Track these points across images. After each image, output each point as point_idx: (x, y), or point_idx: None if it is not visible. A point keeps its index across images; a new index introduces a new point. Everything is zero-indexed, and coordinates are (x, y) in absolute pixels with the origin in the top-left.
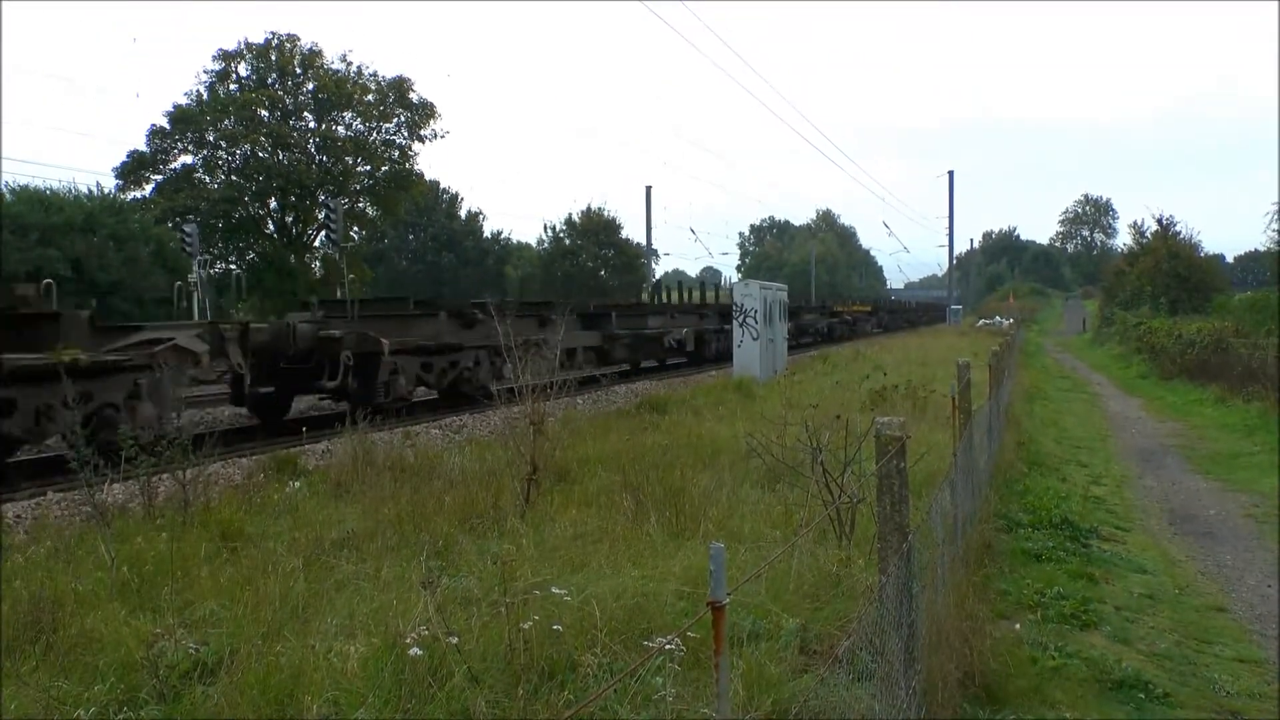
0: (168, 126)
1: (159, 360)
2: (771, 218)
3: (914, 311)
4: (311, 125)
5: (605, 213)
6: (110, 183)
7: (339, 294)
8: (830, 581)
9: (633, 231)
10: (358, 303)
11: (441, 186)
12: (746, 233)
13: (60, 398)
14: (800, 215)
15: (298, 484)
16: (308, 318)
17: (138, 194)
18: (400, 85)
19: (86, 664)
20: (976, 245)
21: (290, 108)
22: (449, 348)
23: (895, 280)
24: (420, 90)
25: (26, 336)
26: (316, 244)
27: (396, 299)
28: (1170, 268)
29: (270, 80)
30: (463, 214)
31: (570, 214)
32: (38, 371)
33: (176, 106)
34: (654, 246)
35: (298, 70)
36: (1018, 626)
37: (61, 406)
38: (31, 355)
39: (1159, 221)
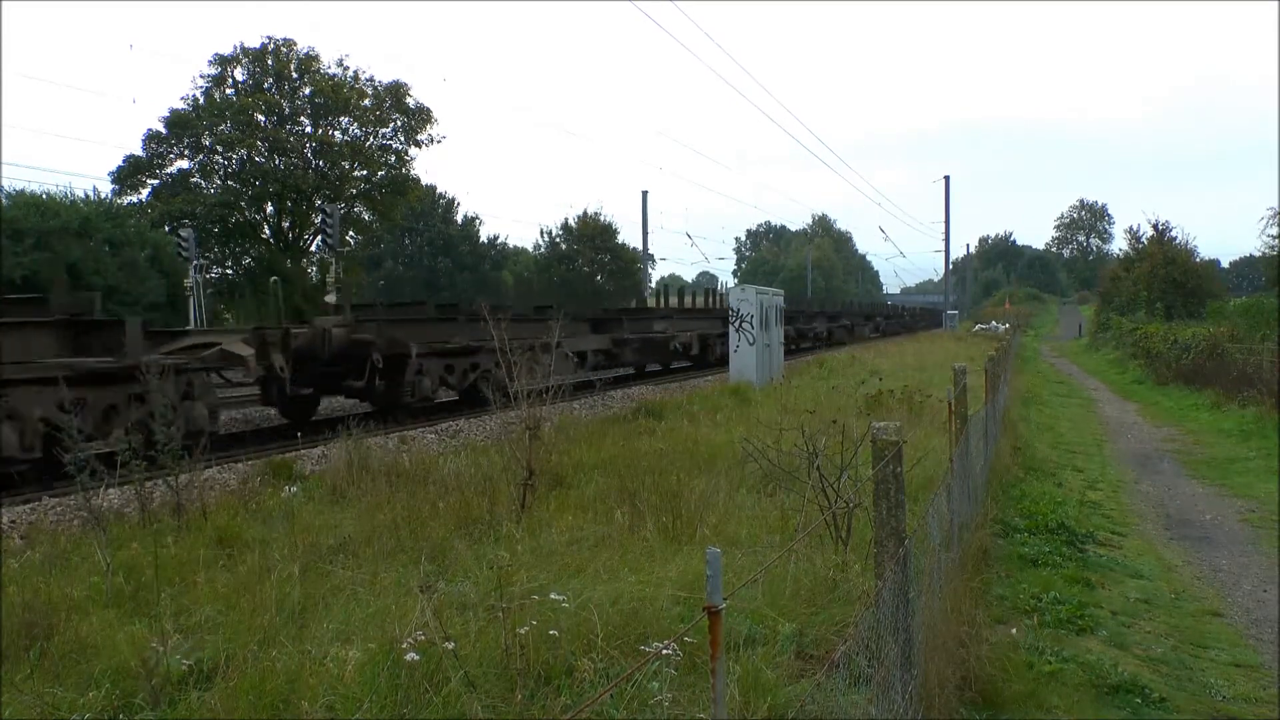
0: (164, 131)
1: (209, 362)
2: (768, 223)
3: (910, 316)
4: (308, 130)
5: (601, 218)
6: (107, 187)
7: (333, 298)
8: (827, 586)
9: (629, 236)
10: (383, 307)
11: (438, 191)
12: (743, 237)
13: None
14: (797, 220)
15: (294, 489)
16: (339, 321)
17: (134, 198)
18: (397, 90)
19: (81, 671)
20: (973, 250)
21: (287, 112)
22: (468, 350)
23: (892, 285)
24: (416, 95)
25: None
26: (313, 249)
27: (417, 303)
28: (1166, 273)
29: (267, 85)
30: (459, 218)
31: (566, 219)
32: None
33: (173, 111)
34: (650, 251)
35: (294, 75)
36: (1014, 631)
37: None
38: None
39: (1155, 226)
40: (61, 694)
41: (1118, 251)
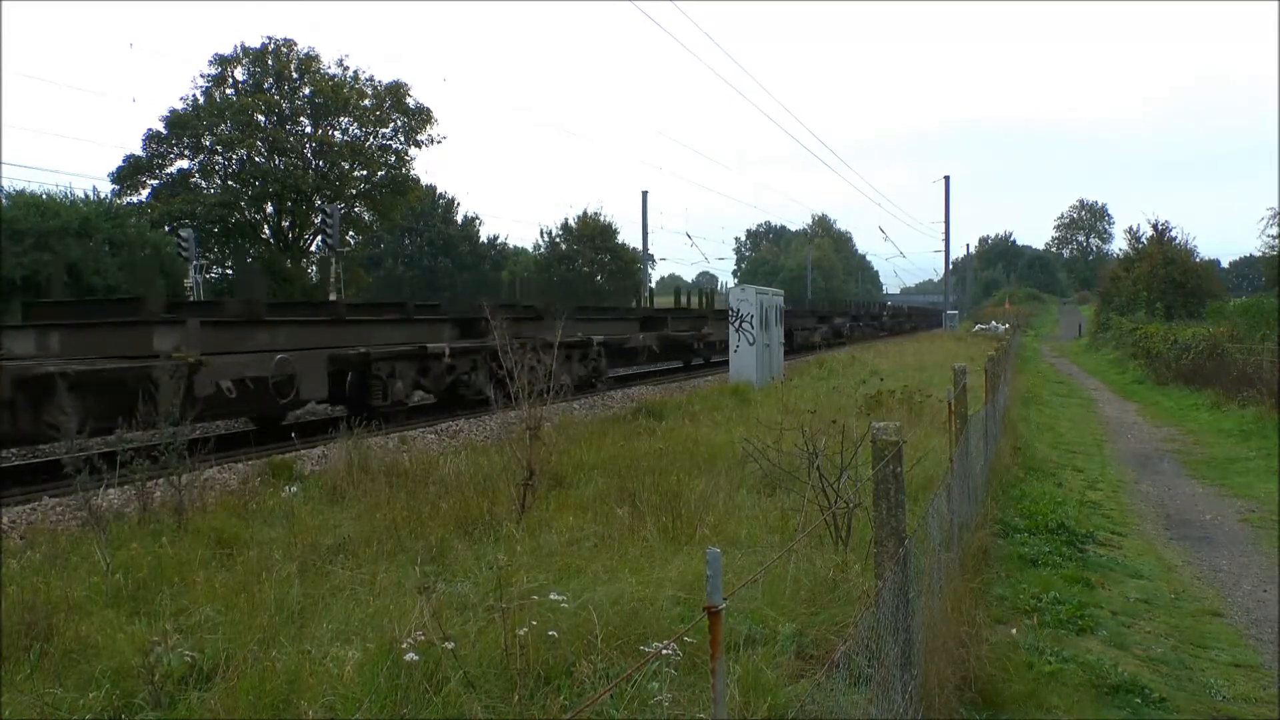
0: (164, 131)
1: None
2: (768, 223)
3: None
4: (308, 130)
5: (601, 218)
6: (106, 187)
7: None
8: (827, 587)
9: (629, 236)
10: None
11: (438, 191)
12: (743, 237)
13: None
14: (797, 220)
15: (294, 489)
16: None
17: (134, 199)
18: (397, 90)
19: (82, 671)
20: (973, 251)
21: (287, 112)
22: None
23: (892, 285)
24: (416, 95)
25: None
26: (313, 249)
27: None
28: (1166, 273)
29: (267, 85)
30: (459, 218)
31: (566, 219)
32: None
33: (173, 111)
34: (650, 251)
35: (294, 75)
36: (1014, 631)
37: None
38: None
39: (1154, 226)
40: (61, 694)
41: (1118, 251)
